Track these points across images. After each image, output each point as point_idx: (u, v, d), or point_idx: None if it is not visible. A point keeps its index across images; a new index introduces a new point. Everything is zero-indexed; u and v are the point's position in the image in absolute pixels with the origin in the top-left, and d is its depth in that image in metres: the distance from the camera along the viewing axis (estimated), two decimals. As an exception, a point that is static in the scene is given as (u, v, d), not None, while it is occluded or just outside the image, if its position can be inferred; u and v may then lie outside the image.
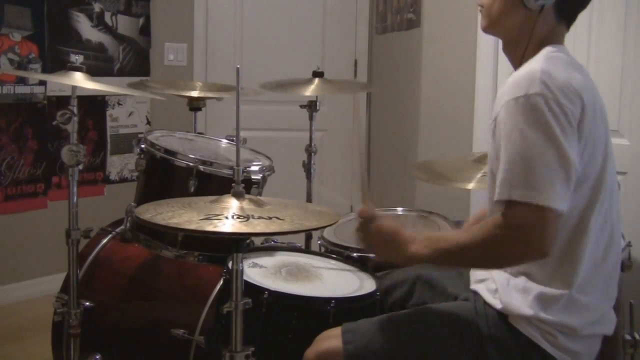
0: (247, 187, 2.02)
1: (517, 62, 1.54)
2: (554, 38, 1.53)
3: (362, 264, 1.96)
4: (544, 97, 1.36)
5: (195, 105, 2.74)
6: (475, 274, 1.63)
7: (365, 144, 4.19)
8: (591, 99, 1.43)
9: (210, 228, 1.38)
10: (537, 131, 1.36)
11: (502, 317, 1.50)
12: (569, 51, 1.56)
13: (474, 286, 1.62)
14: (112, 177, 3.91)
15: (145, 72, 3.98)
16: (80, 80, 2.03)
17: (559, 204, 1.35)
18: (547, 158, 1.35)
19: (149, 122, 4.03)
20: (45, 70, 3.53)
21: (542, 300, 1.45)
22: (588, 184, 1.43)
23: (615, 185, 1.55)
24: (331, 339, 1.55)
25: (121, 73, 3.87)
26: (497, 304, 1.51)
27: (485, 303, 1.54)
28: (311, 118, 2.73)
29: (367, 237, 1.57)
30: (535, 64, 1.43)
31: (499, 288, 1.52)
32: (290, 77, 2.79)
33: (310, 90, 2.59)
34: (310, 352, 1.55)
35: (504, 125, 1.41)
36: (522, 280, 1.49)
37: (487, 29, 1.60)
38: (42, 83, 3.53)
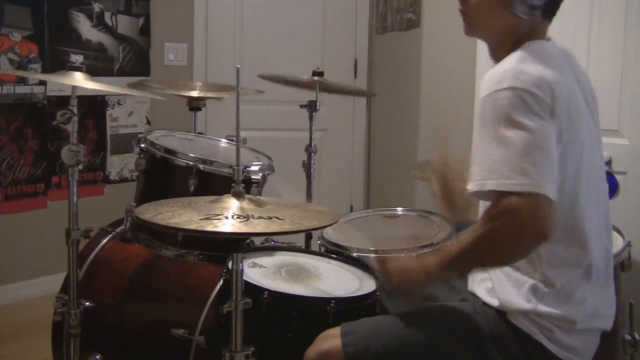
0: (247, 186, 2.02)
1: (500, 60, 1.53)
2: (536, 34, 1.53)
3: (362, 264, 1.96)
4: (515, 89, 1.38)
5: (195, 105, 2.74)
6: (473, 276, 1.63)
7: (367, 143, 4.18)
8: (565, 94, 1.43)
9: (210, 228, 1.38)
10: (510, 123, 1.36)
11: (501, 314, 1.50)
12: (562, 45, 1.56)
13: (471, 287, 1.62)
14: (112, 177, 3.91)
15: (145, 72, 3.98)
16: (80, 80, 2.02)
17: (544, 187, 1.34)
18: (523, 146, 1.35)
19: (148, 122, 4.03)
20: (45, 70, 3.53)
21: (537, 293, 1.46)
22: (565, 180, 1.43)
23: (599, 182, 1.55)
24: (331, 339, 1.55)
25: (121, 73, 3.87)
26: (495, 302, 1.52)
27: (483, 303, 1.54)
28: (311, 118, 2.73)
29: (388, 279, 1.60)
30: (510, 60, 1.45)
31: (495, 286, 1.52)
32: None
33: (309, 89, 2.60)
34: (311, 352, 1.55)
35: (479, 120, 1.42)
36: (516, 276, 1.49)
37: (470, 33, 1.61)
38: (42, 83, 3.54)
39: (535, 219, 1.33)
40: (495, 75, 1.43)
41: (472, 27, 1.58)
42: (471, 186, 1.41)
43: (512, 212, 1.34)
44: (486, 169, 1.38)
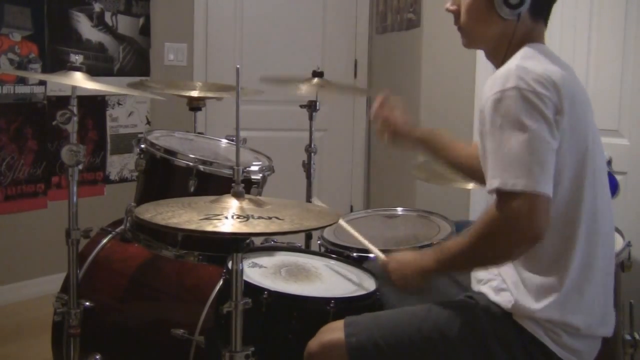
0: (247, 187, 2.02)
1: (499, 64, 1.57)
2: (533, 37, 1.56)
3: (362, 264, 1.96)
4: (519, 89, 1.40)
5: (195, 105, 2.74)
6: (478, 275, 1.64)
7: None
8: (570, 91, 1.45)
9: (210, 228, 1.38)
10: (514, 123, 1.39)
11: (506, 313, 1.51)
12: (561, 51, 1.58)
13: (476, 287, 1.63)
14: (112, 177, 3.91)
15: (145, 72, 3.98)
16: (80, 80, 2.02)
17: (543, 186, 1.38)
18: (527, 147, 1.38)
19: (148, 122, 4.03)
20: (45, 70, 3.53)
21: (547, 298, 1.46)
22: (568, 175, 1.45)
23: (604, 179, 1.57)
24: (334, 331, 1.56)
25: (121, 73, 3.87)
26: (500, 302, 1.52)
27: (488, 301, 1.55)
28: (311, 118, 2.73)
29: (388, 275, 1.67)
30: (513, 61, 1.48)
31: (502, 287, 1.53)
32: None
33: (309, 90, 2.59)
34: (313, 343, 1.56)
35: (486, 121, 1.45)
36: (522, 279, 1.50)
37: (469, 46, 1.65)
38: (42, 83, 3.53)
39: (532, 221, 1.37)
40: (499, 76, 1.45)
41: (470, 39, 1.63)
42: (487, 187, 1.45)
43: (511, 215, 1.38)
44: (494, 169, 1.42)
